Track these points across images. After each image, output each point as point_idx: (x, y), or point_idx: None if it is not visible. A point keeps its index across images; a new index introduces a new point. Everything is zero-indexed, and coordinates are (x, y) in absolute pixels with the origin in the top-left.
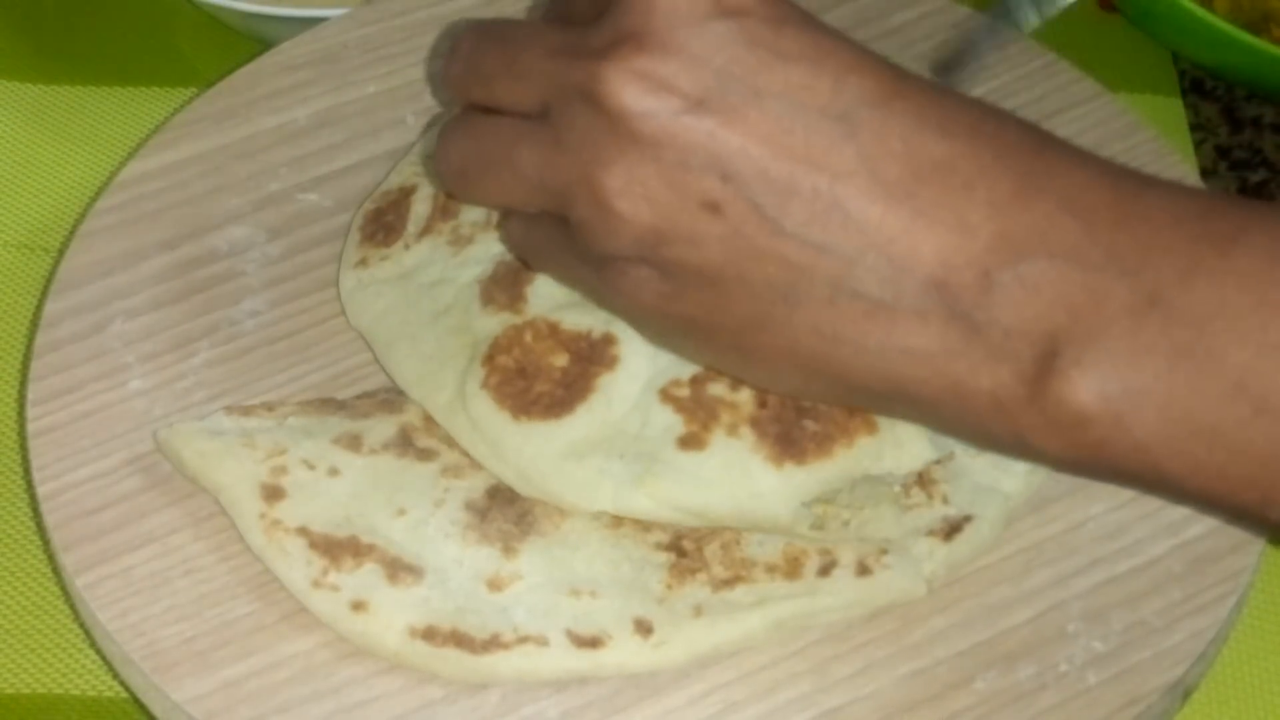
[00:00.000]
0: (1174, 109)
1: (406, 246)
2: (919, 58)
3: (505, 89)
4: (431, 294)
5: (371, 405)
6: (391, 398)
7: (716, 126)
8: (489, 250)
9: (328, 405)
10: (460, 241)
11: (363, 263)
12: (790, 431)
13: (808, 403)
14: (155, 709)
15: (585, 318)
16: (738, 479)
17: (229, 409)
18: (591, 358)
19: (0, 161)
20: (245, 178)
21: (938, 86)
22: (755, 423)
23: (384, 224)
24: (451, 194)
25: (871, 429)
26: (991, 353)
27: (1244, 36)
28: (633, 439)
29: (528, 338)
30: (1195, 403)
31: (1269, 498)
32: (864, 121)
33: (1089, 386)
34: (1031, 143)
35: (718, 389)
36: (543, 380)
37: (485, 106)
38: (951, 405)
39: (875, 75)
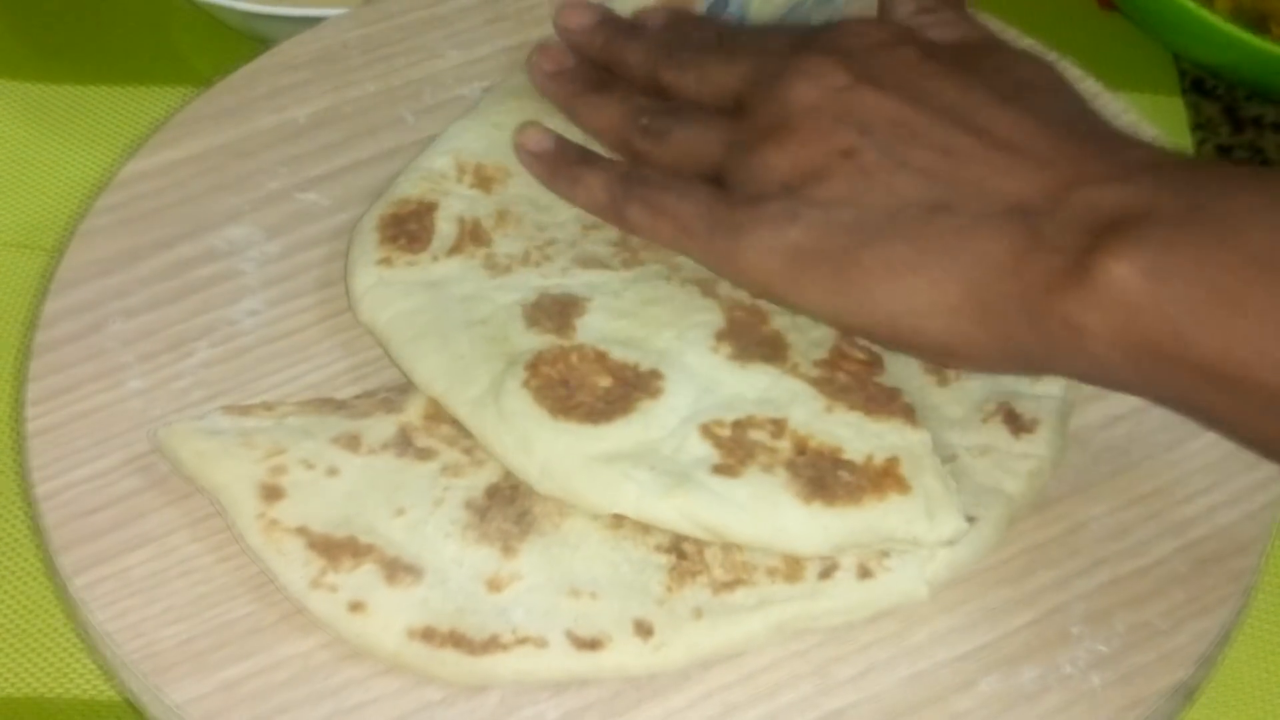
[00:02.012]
0: (1175, 108)
1: (435, 258)
2: None
3: (711, 71)
4: (465, 305)
5: (371, 405)
6: (391, 397)
7: (869, 93)
8: (529, 281)
9: (326, 405)
10: (496, 269)
11: (385, 261)
12: (824, 477)
13: (890, 340)
14: (152, 711)
15: (634, 353)
16: (764, 508)
17: (227, 408)
18: (636, 384)
19: None
20: (244, 177)
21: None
22: (791, 465)
23: (406, 231)
24: (634, 147)
25: (904, 489)
26: (1052, 246)
27: (1245, 36)
28: (665, 458)
29: (573, 358)
30: (1225, 279)
31: None
32: (975, 113)
33: (1131, 262)
34: (1104, 121)
35: (759, 434)
36: (585, 393)
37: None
38: (1013, 301)
39: (1003, 87)
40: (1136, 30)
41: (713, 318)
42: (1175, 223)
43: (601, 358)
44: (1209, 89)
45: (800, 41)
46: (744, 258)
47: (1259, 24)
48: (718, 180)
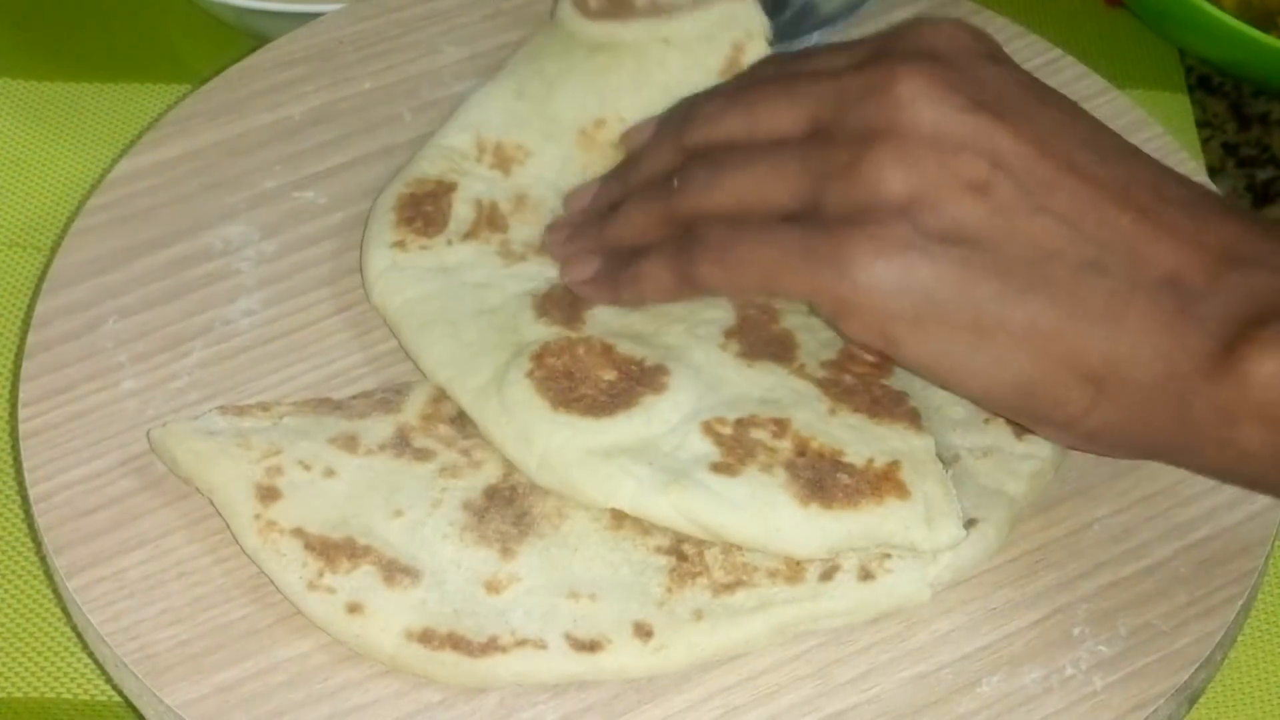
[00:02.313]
0: (1181, 105)
1: (449, 243)
2: None
3: (764, 110)
4: (476, 293)
5: (368, 405)
6: (389, 398)
7: (992, 122)
8: (542, 271)
9: (324, 405)
10: (511, 256)
11: (400, 244)
12: (823, 479)
13: (1012, 408)
14: (149, 713)
15: (641, 348)
16: (761, 507)
17: (223, 408)
18: (641, 380)
19: None
20: (239, 175)
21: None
22: (790, 466)
23: (423, 213)
24: (680, 213)
25: (903, 494)
26: (1206, 334)
27: (1252, 33)
28: (665, 455)
29: (580, 350)
30: None
31: None
32: (1115, 157)
33: (1276, 359)
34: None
35: (760, 434)
36: (588, 386)
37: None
38: (1161, 384)
39: (1116, 136)
40: (1143, 27)
41: (724, 314)
42: None
43: (608, 351)
44: (1215, 86)
45: (875, 51)
46: (852, 293)
47: (1265, 21)
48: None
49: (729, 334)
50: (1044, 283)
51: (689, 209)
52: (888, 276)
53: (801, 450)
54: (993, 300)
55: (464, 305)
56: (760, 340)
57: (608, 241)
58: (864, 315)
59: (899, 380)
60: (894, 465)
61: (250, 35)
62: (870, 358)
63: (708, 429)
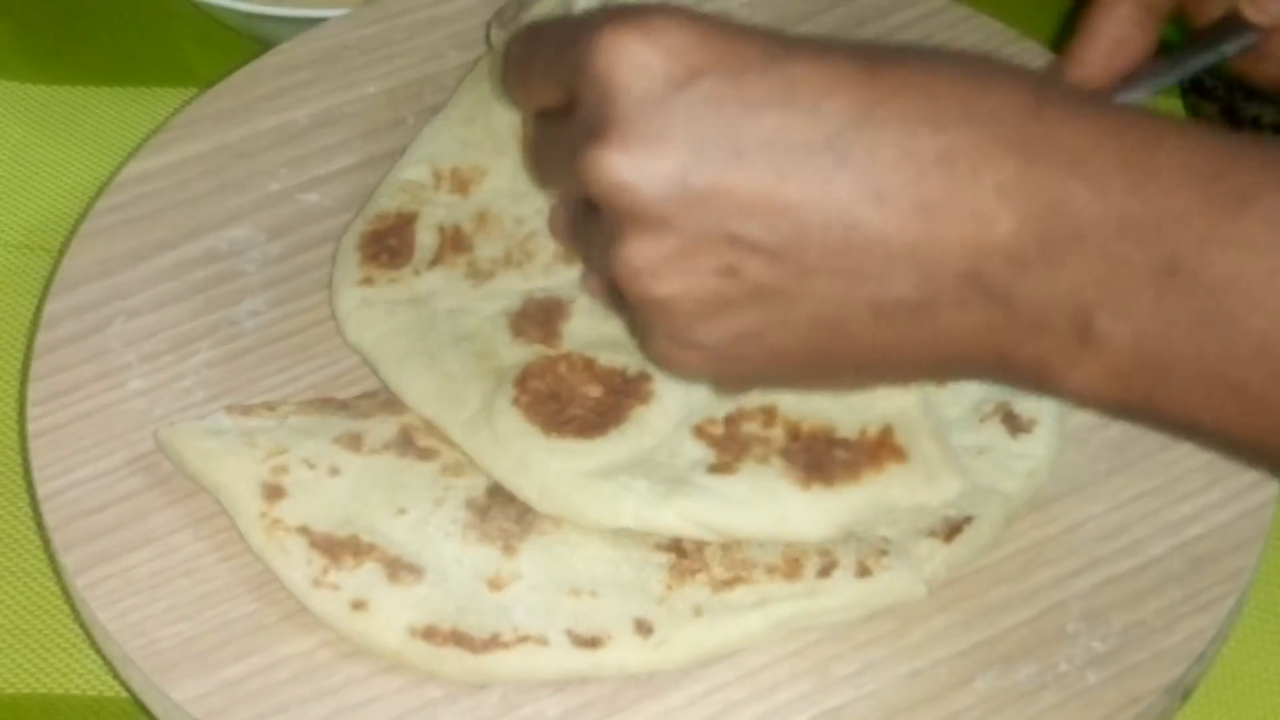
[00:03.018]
0: (1174, 108)
1: (417, 272)
2: None
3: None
4: (450, 320)
5: (372, 405)
6: (392, 398)
7: (707, 197)
8: (513, 286)
9: (328, 405)
10: (479, 276)
11: (368, 281)
12: (820, 459)
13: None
14: (155, 709)
15: (621, 356)
16: (765, 500)
17: (230, 408)
18: (626, 391)
19: (1, 161)
20: (245, 178)
21: (919, 67)
22: (785, 452)
23: (387, 247)
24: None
25: (901, 457)
26: (1031, 326)
27: None
28: (661, 465)
29: (561, 369)
30: (1222, 364)
31: None
32: (851, 143)
33: (1124, 350)
34: (1028, 105)
35: (751, 426)
36: (576, 405)
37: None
38: (1001, 372)
39: (850, 90)
40: None
41: None
42: (1157, 292)
43: (590, 365)
44: (1208, 88)
45: (573, 99)
46: (674, 369)
47: None
48: None
49: None
50: (844, 339)
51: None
52: (690, 370)
53: (794, 435)
54: (805, 370)
55: (440, 334)
56: None
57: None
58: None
59: None
60: (887, 430)
61: (256, 40)
62: None
63: (699, 432)
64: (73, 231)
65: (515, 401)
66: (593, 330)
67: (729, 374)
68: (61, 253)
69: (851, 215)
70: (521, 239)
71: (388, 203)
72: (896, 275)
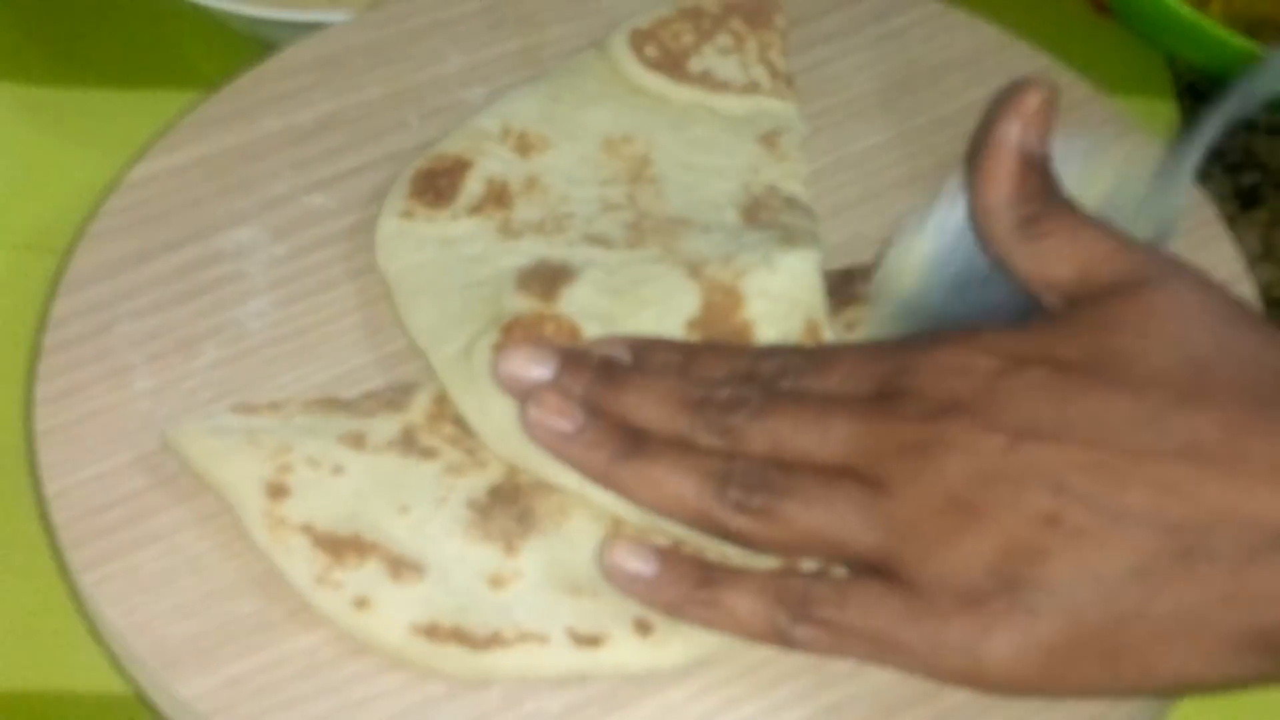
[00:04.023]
0: (1169, 112)
1: (454, 217)
2: (914, 61)
3: (807, 441)
4: (469, 266)
5: (375, 404)
6: (395, 397)
7: (1038, 448)
8: (535, 248)
9: (332, 404)
10: (510, 233)
11: (408, 214)
12: None
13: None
14: (161, 705)
15: (604, 333)
16: None
17: (235, 407)
18: None
19: (7, 163)
20: (250, 180)
21: (1236, 357)
22: None
23: (435, 186)
24: (728, 528)
25: None
26: None
27: (1238, 40)
28: None
29: (549, 328)
30: None
31: None
32: (1174, 415)
33: None
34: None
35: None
36: None
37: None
38: None
39: (1174, 377)
40: (1131, 35)
41: (690, 300)
42: None
43: (574, 333)
44: (1203, 92)
45: (888, 394)
46: (990, 672)
47: (1253, 29)
48: (871, 560)
49: (692, 325)
50: (1152, 592)
51: (742, 532)
52: (1012, 650)
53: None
54: (1112, 630)
55: (455, 276)
56: (722, 332)
57: (620, 490)
58: (1002, 688)
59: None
60: None
61: (260, 44)
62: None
63: None
64: (79, 233)
65: (495, 346)
66: (592, 301)
67: (1033, 645)
68: (67, 253)
69: (1174, 472)
70: (559, 215)
71: (451, 146)
72: (1215, 532)
